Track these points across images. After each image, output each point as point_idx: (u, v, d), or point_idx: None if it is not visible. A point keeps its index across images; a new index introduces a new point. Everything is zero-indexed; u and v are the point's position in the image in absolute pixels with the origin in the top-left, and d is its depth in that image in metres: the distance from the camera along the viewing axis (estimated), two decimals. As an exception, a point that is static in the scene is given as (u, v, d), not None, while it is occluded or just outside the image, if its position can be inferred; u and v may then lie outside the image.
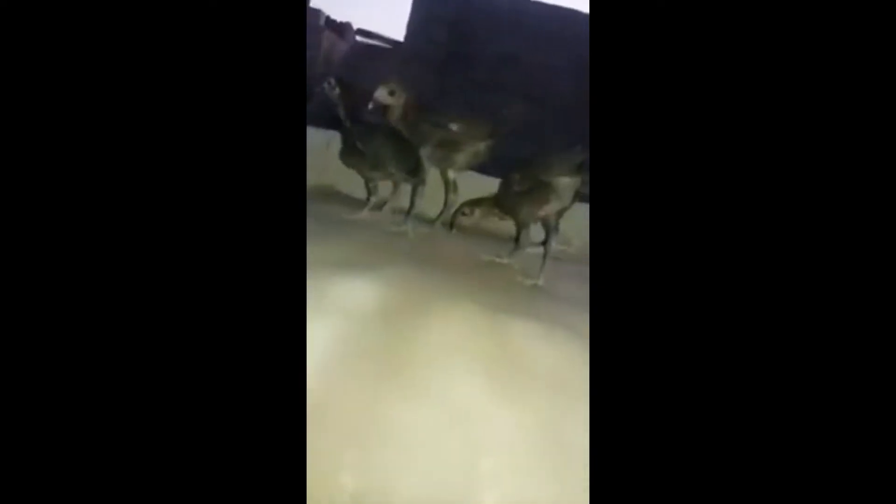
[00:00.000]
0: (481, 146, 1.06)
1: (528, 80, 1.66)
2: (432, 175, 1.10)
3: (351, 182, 1.26)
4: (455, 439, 0.63)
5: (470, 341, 0.76)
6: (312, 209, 1.14)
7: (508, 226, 1.06)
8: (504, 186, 1.00)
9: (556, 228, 0.97)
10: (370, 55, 2.29)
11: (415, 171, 1.09)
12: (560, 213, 0.96)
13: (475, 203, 1.05)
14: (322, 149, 1.20)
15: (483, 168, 1.12)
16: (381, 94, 1.01)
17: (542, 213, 0.96)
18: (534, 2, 1.77)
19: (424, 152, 1.05)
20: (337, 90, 1.06)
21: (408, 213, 1.10)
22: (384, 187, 1.16)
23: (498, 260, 1.03)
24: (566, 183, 0.90)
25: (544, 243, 0.99)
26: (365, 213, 1.12)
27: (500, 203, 1.01)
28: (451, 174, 1.09)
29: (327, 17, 2.29)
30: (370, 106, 1.00)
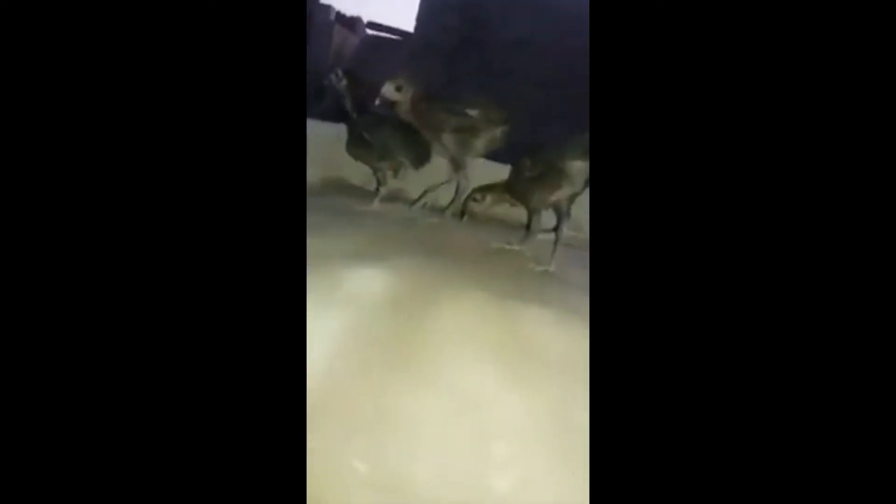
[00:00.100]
0: (498, 131, 1.06)
1: (542, 63, 1.63)
2: (443, 164, 1.10)
3: (363, 174, 1.27)
4: (465, 426, 0.64)
5: (480, 328, 0.76)
6: (325, 202, 1.16)
7: (520, 212, 1.04)
8: (515, 172, 0.99)
9: (568, 214, 0.96)
10: (381, 48, 2.29)
11: (423, 160, 1.09)
12: (572, 199, 0.95)
13: (486, 189, 1.04)
14: (334, 142, 1.20)
15: (493, 154, 1.11)
16: (388, 89, 1.01)
17: (553, 198, 0.95)
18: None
19: (444, 140, 1.05)
20: (344, 82, 1.07)
21: (415, 201, 1.10)
22: (394, 177, 1.16)
23: (508, 247, 1.02)
24: (578, 167, 0.89)
25: (555, 229, 0.97)
26: (376, 204, 1.12)
27: (511, 189, 1.00)
28: (466, 161, 1.09)
29: (337, 13, 2.29)
30: (377, 102, 1.00)
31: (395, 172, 1.13)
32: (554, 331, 0.78)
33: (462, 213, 1.08)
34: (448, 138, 1.05)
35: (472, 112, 1.04)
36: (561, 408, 0.67)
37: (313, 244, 0.92)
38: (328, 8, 2.25)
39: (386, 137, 1.08)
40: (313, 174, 1.39)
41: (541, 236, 1.02)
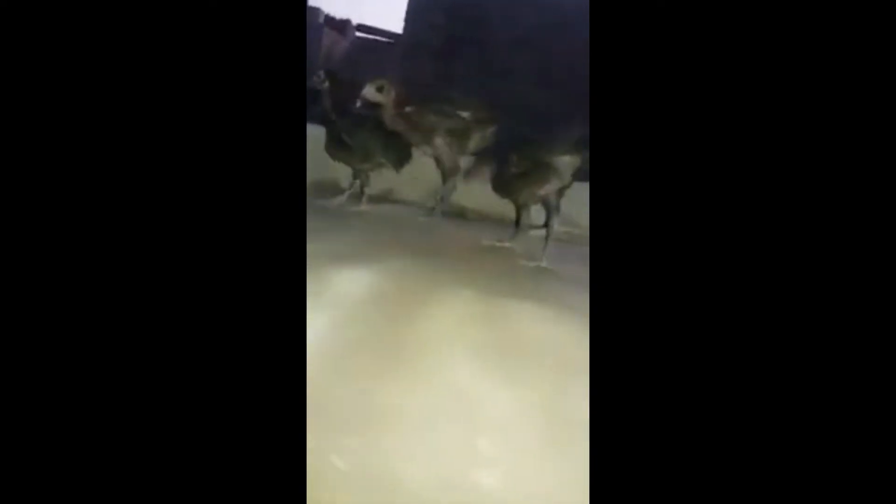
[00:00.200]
0: (488, 131, 1.05)
1: (533, 60, 1.63)
2: (428, 164, 1.10)
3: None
4: (454, 423, 0.63)
5: (470, 326, 0.76)
6: (314, 204, 1.15)
7: (510, 209, 1.04)
8: (500, 168, 0.99)
9: (558, 208, 0.96)
10: (371, 49, 2.28)
11: (404, 161, 1.08)
12: (560, 193, 0.95)
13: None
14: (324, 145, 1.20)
15: (480, 150, 1.11)
16: (369, 91, 1.00)
17: (541, 192, 0.94)
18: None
19: (435, 143, 1.05)
20: (326, 83, 1.06)
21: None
22: (377, 179, 1.16)
23: (499, 244, 1.02)
24: (566, 161, 0.88)
25: (546, 225, 0.97)
26: (364, 205, 1.12)
27: (497, 186, 0.99)
28: (457, 160, 1.08)
29: (326, 15, 2.29)
30: (358, 104, 1.00)
31: (367, 177, 1.13)
32: (546, 327, 0.78)
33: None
34: (440, 141, 1.05)
35: (464, 114, 1.04)
36: (553, 404, 0.66)
37: (311, 246, 0.92)
38: (317, 11, 2.24)
39: (366, 139, 1.08)
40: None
41: (532, 233, 1.02)
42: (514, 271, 0.93)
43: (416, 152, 1.12)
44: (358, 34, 2.36)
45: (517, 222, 0.99)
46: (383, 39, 2.27)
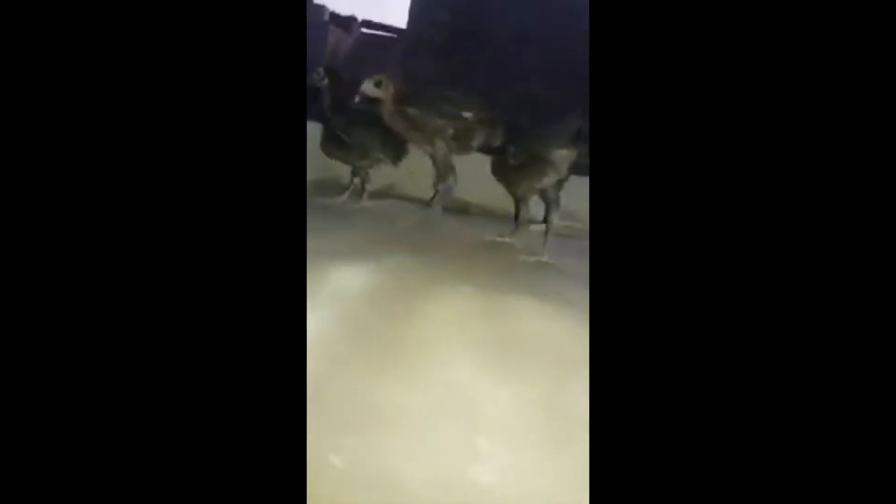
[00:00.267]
0: (491, 129, 1.04)
1: (533, 53, 1.62)
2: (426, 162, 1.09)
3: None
4: (452, 419, 0.63)
5: (469, 322, 0.76)
6: (315, 201, 1.16)
7: (510, 204, 1.03)
8: (499, 160, 0.98)
9: (557, 202, 0.95)
10: (376, 45, 2.28)
11: (401, 155, 1.08)
12: (559, 185, 0.94)
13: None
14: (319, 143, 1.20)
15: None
16: (368, 86, 0.99)
17: (539, 185, 0.93)
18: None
19: (437, 145, 1.04)
20: (326, 80, 1.06)
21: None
22: (378, 175, 1.16)
23: (500, 239, 1.01)
24: (563, 155, 0.87)
25: (545, 219, 0.96)
26: (365, 202, 1.12)
27: (495, 171, 0.98)
28: (452, 160, 1.08)
29: (332, 13, 2.29)
30: (356, 99, 0.99)
31: (367, 173, 1.13)
32: (546, 323, 0.77)
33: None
34: (441, 144, 1.04)
35: (467, 114, 1.03)
36: (552, 400, 0.66)
37: (309, 244, 0.92)
38: (322, 8, 2.25)
39: (363, 136, 1.08)
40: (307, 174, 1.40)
41: (533, 227, 1.01)
42: (514, 267, 0.93)
43: (412, 146, 1.11)
44: (363, 30, 2.36)
45: (516, 216, 0.99)
46: (388, 35, 2.26)
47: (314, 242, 0.91)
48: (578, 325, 0.71)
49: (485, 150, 1.08)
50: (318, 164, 1.24)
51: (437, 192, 1.07)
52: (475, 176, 1.11)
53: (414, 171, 1.15)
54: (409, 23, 2.01)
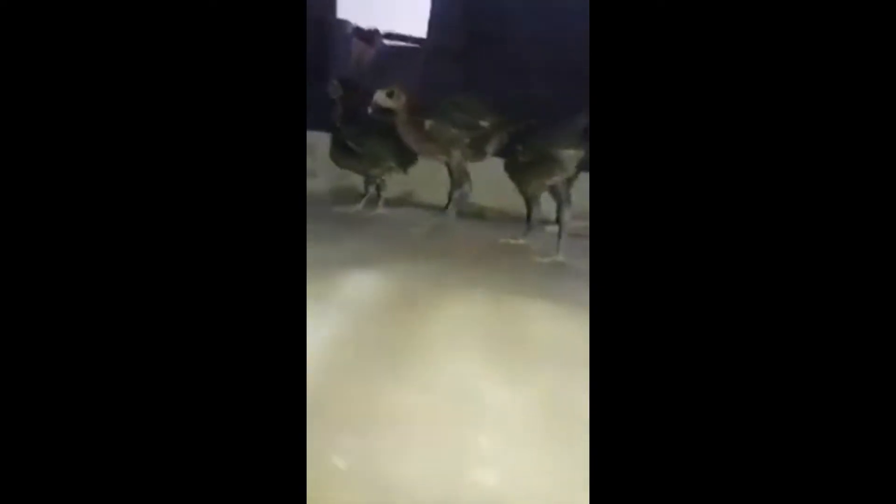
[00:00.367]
0: (506, 134, 1.05)
1: (551, 55, 1.61)
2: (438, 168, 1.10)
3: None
4: (456, 419, 0.63)
5: (479, 324, 0.76)
6: (333, 210, 1.19)
7: (522, 205, 1.03)
8: (511, 159, 0.99)
9: (568, 200, 0.94)
10: (398, 55, 2.32)
11: (411, 161, 1.09)
12: (569, 183, 0.93)
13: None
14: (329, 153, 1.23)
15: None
16: (380, 97, 1.02)
17: (549, 183, 0.93)
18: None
19: (453, 154, 1.05)
20: (340, 91, 1.09)
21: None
22: (394, 182, 1.17)
23: (514, 242, 1.01)
24: (570, 155, 0.87)
25: (558, 218, 0.96)
26: (381, 209, 1.14)
27: (508, 167, 0.99)
28: (467, 167, 1.09)
29: (355, 27, 2.35)
30: (370, 110, 1.02)
31: (383, 181, 1.14)
32: (554, 324, 0.77)
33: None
34: (457, 153, 1.05)
35: (484, 122, 1.04)
36: (557, 401, 0.65)
37: (320, 251, 0.95)
38: (345, 23, 2.31)
39: (373, 145, 1.10)
40: (322, 183, 1.44)
41: (548, 229, 1.01)
42: (526, 269, 0.93)
43: (425, 155, 1.13)
44: (385, 42, 2.40)
45: (528, 217, 0.98)
46: (409, 45, 2.30)
47: (329, 249, 0.94)
48: (587, 326, 0.70)
49: (498, 153, 1.09)
50: (335, 172, 1.27)
51: (451, 198, 1.08)
52: (490, 180, 1.11)
53: (429, 178, 1.16)
54: (429, 32, 2.03)
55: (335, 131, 1.12)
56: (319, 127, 1.21)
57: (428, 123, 1.03)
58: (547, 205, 1.02)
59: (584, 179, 0.96)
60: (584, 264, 0.95)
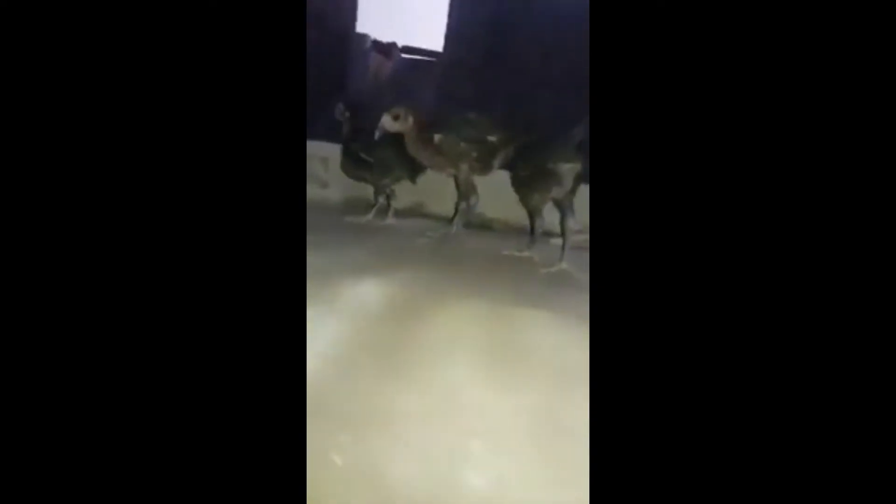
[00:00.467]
0: (512, 148, 1.07)
1: (568, 71, 1.63)
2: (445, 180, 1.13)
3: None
4: (449, 424, 0.65)
5: (477, 332, 0.78)
6: (345, 220, 1.22)
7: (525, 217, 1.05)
8: (514, 173, 1.01)
9: (572, 209, 0.96)
10: (415, 69, 2.37)
11: (419, 171, 1.12)
12: (572, 193, 0.95)
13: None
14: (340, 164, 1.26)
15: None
16: (386, 120, 1.04)
17: (550, 197, 0.95)
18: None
19: (461, 168, 1.07)
20: (347, 114, 1.13)
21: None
22: (404, 193, 1.20)
23: (518, 254, 1.03)
24: (566, 169, 0.89)
25: (562, 228, 0.97)
26: (391, 219, 1.17)
27: (513, 182, 1.01)
28: (474, 180, 1.11)
29: (373, 40, 2.41)
30: (377, 135, 1.04)
31: (393, 191, 1.17)
32: (551, 334, 0.78)
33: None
34: (465, 167, 1.07)
35: (492, 137, 1.06)
36: (550, 409, 0.66)
37: (328, 259, 0.98)
38: (364, 37, 2.37)
39: (383, 155, 1.13)
40: (335, 193, 1.47)
41: (553, 241, 1.02)
42: (528, 280, 0.94)
43: (434, 169, 1.15)
44: (403, 55, 2.45)
45: (532, 229, 1.00)
46: (426, 59, 2.34)
47: (337, 257, 0.97)
48: (585, 337, 0.71)
49: (505, 166, 1.11)
50: (348, 183, 1.31)
51: (457, 210, 1.10)
52: (498, 193, 1.13)
53: (439, 189, 1.19)
54: (446, 46, 2.08)
55: (346, 145, 1.16)
56: (334, 139, 1.25)
57: (437, 138, 1.05)
58: (553, 216, 1.04)
59: (586, 190, 0.97)
60: (586, 276, 0.97)
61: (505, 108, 1.38)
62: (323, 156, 1.30)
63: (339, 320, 0.78)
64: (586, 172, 0.89)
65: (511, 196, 1.08)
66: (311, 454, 0.51)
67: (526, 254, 1.03)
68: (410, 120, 1.05)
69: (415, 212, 1.26)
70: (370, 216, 1.19)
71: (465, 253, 1.05)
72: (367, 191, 1.26)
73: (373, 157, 1.14)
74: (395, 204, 1.18)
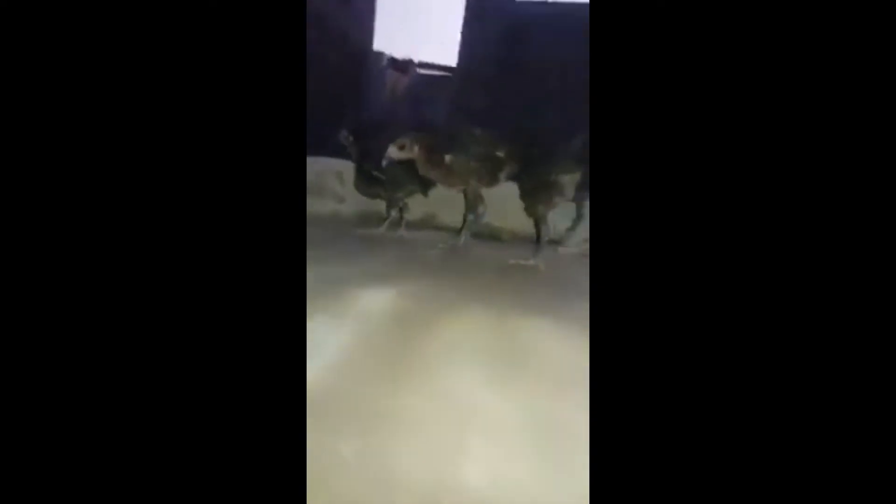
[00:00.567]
0: (519, 161, 1.09)
1: (568, 79, 1.65)
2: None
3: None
4: (455, 427, 0.67)
5: (480, 339, 0.80)
6: (355, 233, 1.26)
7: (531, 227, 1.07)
8: (520, 185, 1.04)
9: (580, 216, 0.98)
10: (430, 84, 2.43)
11: (431, 185, 1.15)
12: (578, 199, 0.97)
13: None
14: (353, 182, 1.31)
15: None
16: (393, 151, 1.07)
17: (554, 206, 0.98)
18: (580, 3, 1.77)
19: (471, 183, 1.11)
20: (351, 138, 1.18)
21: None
22: (416, 206, 1.24)
23: (524, 262, 1.05)
24: (566, 180, 0.91)
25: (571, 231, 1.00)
26: (403, 231, 1.21)
27: (521, 194, 1.04)
28: (482, 192, 1.14)
29: (390, 57, 2.48)
30: (384, 163, 1.07)
31: (406, 204, 1.21)
32: (553, 340, 0.80)
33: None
34: (474, 182, 1.10)
35: (500, 153, 1.08)
36: (550, 414, 0.68)
37: (339, 270, 1.02)
38: (381, 54, 2.44)
39: (396, 171, 1.17)
40: (349, 207, 1.52)
41: (561, 250, 1.04)
42: (532, 288, 0.96)
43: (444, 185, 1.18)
44: (419, 71, 2.52)
45: (538, 238, 1.02)
46: (441, 74, 2.40)
47: (349, 268, 1.01)
48: (587, 344, 0.72)
49: (512, 178, 1.14)
50: (361, 197, 1.36)
51: (465, 221, 1.13)
52: (506, 203, 1.16)
53: (450, 201, 1.22)
54: (460, 61, 2.12)
55: (358, 166, 1.21)
56: (349, 156, 1.30)
57: (448, 158, 1.08)
58: (560, 224, 1.06)
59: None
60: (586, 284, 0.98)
61: (514, 120, 1.41)
62: (336, 171, 1.35)
63: (351, 328, 0.81)
64: (587, 181, 0.91)
65: (517, 206, 1.10)
66: (322, 455, 0.54)
67: (531, 262, 1.05)
68: (416, 148, 1.08)
69: (426, 223, 1.30)
70: (383, 229, 1.23)
71: (472, 262, 1.08)
72: (381, 204, 1.31)
73: (385, 175, 1.18)
74: (407, 216, 1.22)
